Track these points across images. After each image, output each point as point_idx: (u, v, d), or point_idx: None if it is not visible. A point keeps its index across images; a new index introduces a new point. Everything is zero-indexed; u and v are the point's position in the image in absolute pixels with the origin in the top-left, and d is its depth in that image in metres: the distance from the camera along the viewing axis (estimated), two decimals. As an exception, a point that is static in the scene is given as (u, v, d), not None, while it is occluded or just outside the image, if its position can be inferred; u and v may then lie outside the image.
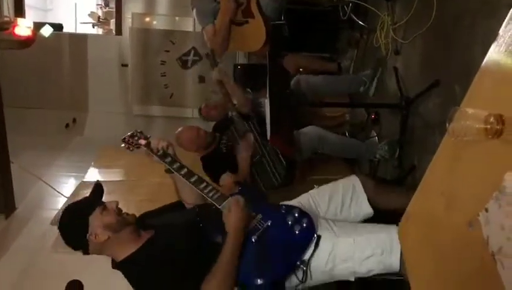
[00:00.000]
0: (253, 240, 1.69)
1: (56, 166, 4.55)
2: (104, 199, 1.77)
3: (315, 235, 1.66)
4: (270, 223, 1.74)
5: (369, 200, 1.91)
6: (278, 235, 1.71)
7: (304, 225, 1.69)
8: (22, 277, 2.99)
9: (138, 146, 1.91)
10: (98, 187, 1.76)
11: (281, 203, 1.95)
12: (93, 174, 4.01)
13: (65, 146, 4.99)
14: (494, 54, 0.82)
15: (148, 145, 1.90)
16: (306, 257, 1.63)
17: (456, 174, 0.88)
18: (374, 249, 1.62)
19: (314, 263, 1.64)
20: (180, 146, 2.89)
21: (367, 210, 1.91)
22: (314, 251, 1.64)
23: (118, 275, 1.71)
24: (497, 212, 0.76)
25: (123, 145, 1.94)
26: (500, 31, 0.79)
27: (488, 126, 0.75)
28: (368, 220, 1.91)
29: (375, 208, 1.91)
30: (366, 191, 1.92)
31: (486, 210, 0.78)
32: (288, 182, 2.74)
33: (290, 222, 1.72)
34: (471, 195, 0.84)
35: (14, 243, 3.35)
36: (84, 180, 3.88)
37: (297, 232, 1.68)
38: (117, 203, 1.69)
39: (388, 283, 1.78)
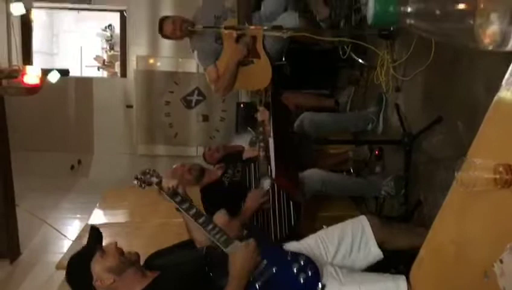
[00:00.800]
0: (257, 286, 1.67)
1: (61, 208, 4.54)
2: (108, 241, 1.79)
3: (319, 285, 1.64)
4: (275, 270, 1.72)
5: (378, 241, 1.90)
6: (283, 283, 1.69)
7: (309, 273, 1.67)
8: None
9: (150, 184, 1.95)
10: (94, 232, 1.78)
11: (287, 246, 1.93)
12: (98, 216, 3.99)
13: (70, 188, 5.00)
14: (500, 102, 0.83)
15: (159, 184, 1.94)
16: None
17: (466, 224, 0.87)
18: None
19: None
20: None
21: (376, 254, 1.88)
22: None
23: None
24: None
25: (135, 182, 1.98)
26: (504, 81, 0.81)
27: (497, 176, 0.75)
28: (377, 263, 1.89)
29: (384, 250, 1.89)
30: (374, 232, 1.90)
31: (501, 261, 0.77)
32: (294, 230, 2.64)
33: (295, 270, 1.70)
34: (483, 245, 0.84)
35: (19, 288, 3.31)
36: (89, 222, 3.86)
37: (302, 281, 1.66)
38: (115, 244, 1.70)
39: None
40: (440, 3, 0.60)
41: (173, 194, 1.89)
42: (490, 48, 0.61)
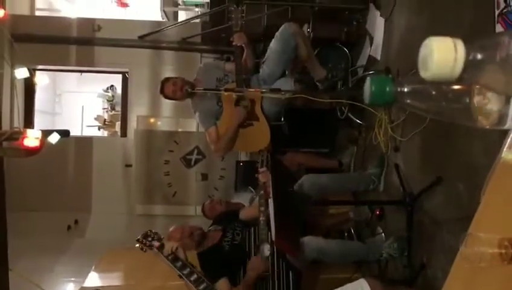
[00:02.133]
0: None
1: (55, 271, 4.43)
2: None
3: None
4: None
5: None
6: None
7: None
8: None
9: (151, 247, 1.94)
10: None
11: None
12: (93, 279, 3.87)
13: (66, 249, 4.89)
14: (500, 175, 0.83)
15: (160, 248, 1.92)
16: None
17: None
18: None
19: None
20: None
21: None
22: None
23: None
24: None
25: (137, 245, 1.96)
26: (503, 154, 0.81)
27: (503, 251, 0.73)
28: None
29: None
30: None
31: None
32: None
33: None
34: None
35: None
36: (84, 285, 3.75)
37: None
38: None
39: None
40: (436, 84, 0.61)
41: (174, 259, 1.87)
42: (487, 127, 0.62)
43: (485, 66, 0.58)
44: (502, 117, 0.60)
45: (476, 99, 0.60)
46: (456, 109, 0.62)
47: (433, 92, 0.62)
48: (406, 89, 0.65)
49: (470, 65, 0.57)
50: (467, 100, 0.60)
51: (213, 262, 2.59)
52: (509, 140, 0.77)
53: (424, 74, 0.58)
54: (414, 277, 2.57)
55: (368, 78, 0.74)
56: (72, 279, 4.23)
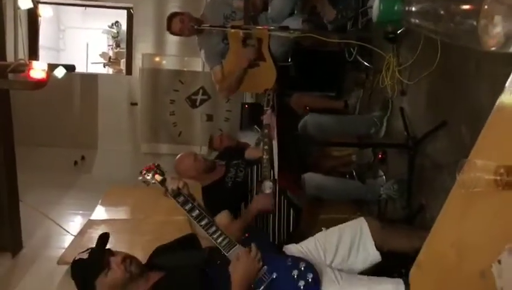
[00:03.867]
0: None
1: (63, 204, 4.56)
2: (111, 238, 1.80)
3: None
4: (275, 276, 1.71)
5: (377, 244, 1.89)
6: (283, 289, 1.68)
7: (309, 279, 1.66)
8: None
9: (154, 181, 1.96)
10: (103, 239, 1.79)
11: (287, 248, 1.93)
12: (100, 213, 4.00)
13: (73, 184, 5.01)
14: (503, 104, 0.84)
15: (163, 182, 1.94)
16: None
17: (466, 226, 0.88)
18: None
19: None
20: (181, 175, 2.73)
21: (374, 256, 1.88)
22: None
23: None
24: (510, 265, 0.76)
25: (140, 178, 1.98)
26: (507, 83, 0.81)
27: (498, 177, 0.75)
28: (376, 266, 1.89)
29: (383, 253, 1.89)
30: (373, 234, 1.90)
31: (499, 262, 0.77)
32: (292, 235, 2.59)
33: (295, 276, 1.69)
34: (482, 246, 0.84)
35: (21, 282, 3.32)
36: (91, 218, 3.88)
37: (302, 287, 1.65)
38: (122, 257, 1.69)
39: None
40: (445, 4, 0.60)
41: (177, 194, 1.89)
42: (493, 49, 0.62)
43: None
44: (508, 39, 0.59)
45: (483, 21, 0.59)
46: (463, 30, 0.61)
47: (442, 12, 0.61)
48: (414, 8, 0.64)
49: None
50: (474, 22, 0.59)
51: (215, 197, 2.65)
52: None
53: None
54: (412, 217, 2.63)
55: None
56: (80, 212, 4.37)
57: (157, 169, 2.00)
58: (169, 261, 1.82)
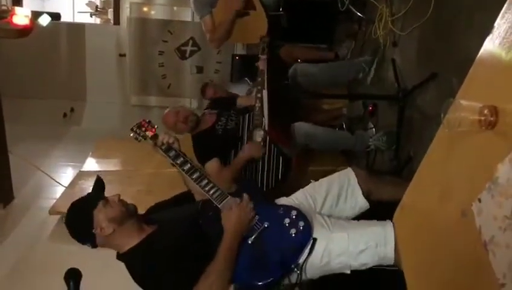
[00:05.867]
0: (249, 242, 1.69)
1: (54, 156, 4.54)
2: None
3: (311, 239, 1.67)
4: (267, 225, 1.74)
5: (364, 193, 1.93)
6: (275, 237, 1.71)
7: (301, 227, 1.69)
8: (20, 266, 3.00)
9: (145, 137, 1.95)
10: (98, 182, 1.80)
11: (277, 201, 1.96)
12: (91, 164, 4.02)
13: (63, 136, 4.98)
14: (489, 46, 0.83)
15: (154, 138, 1.93)
16: (301, 260, 1.64)
17: (450, 165, 0.89)
18: (367, 243, 1.64)
19: (309, 262, 1.65)
20: (169, 128, 2.79)
21: (362, 204, 1.92)
22: (309, 254, 1.65)
23: (117, 265, 1.74)
24: (489, 203, 0.78)
25: (131, 134, 1.98)
26: (496, 24, 0.80)
27: (482, 118, 0.76)
28: (364, 215, 1.93)
29: (371, 201, 1.93)
30: (360, 183, 1.93)
31: (480, 200, 0.79)
32: (281, 184, 2.63)
33: (287, 224, 1.72)
34: (464, 185, 0.85)
35: (13, 232, 3.36)
36: (82, 169, 3.89)
37: (293, 235, 1.68)
38: (119, 196, 1.72)
39: (382, 273, 1.79)
40: None
41: (167, 149, 1.89)
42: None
43: None
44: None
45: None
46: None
47: None
48: None
49: None
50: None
51: (205, 144, 2.66)
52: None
53: None
54: (400, 169, 2.67)
55: None
56: (71, 163, 4.37)
57: (149, 125, 1.99)
58: (165, 216, 1.85)
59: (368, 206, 1.92)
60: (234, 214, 1.70)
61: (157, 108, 5.24)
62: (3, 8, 2.92)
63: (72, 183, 3.66)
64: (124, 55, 5.26)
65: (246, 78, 3.66)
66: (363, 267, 1.67)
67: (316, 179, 2.06)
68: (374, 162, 2.99)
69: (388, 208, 1.73)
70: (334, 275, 1.75)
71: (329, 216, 1.83)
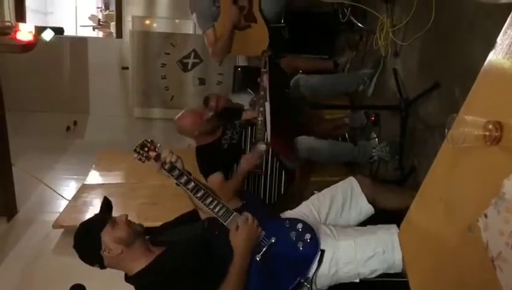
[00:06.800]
0: (257, 259, 1.69)
1: (57, 169, 4.55)
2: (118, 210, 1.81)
3: (319, 251, 1.66)
4: (274, 240, 1.74)
5: (369, 200, 1.92)
6: (282, 252, 1.71)
7: (308, 240, 1.69)
8: (24, 280, 2.99)
9: (149, 158, 1.94)
10: (106, 202, 1.80)
11: (282, 215, 1.95)
12: (94, 177, 4.03)
13: (66, 149, 4.99)
14: (493, 61, 0.83)
15: (157, 158, 1.92)
16: (310, 274, 1.63)
17: (455, 181, 0.89)
18: (375, 249, 1.63)
19: (318, 273, 1.65)
20: (181, 133, 2.79)
21: (367, 209, 1.92)
22: (318, 266, 1.64)
23: (121, 278, 1.74)
24: (496, 218, 0.77)
25: (135, 156, 1.97)
26: (498, 39, 0.80)
27: (487, 133, 0.76)
28: (370, 219, 1.92)
29: (376, 207, 1.92)
30: (364, 190, 1.93)
31: (486, 216, 0.79)
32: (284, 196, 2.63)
33: (293, 238, 1.71)
34: (470, 201, 0.85)
35: (16, 246, 3.36)
36: (85, 183, 3.90)
37: (301, 248, 1.68)
38: (126, 216, 1.72)
39: (392, 285, 1.78)
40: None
41: (171, 168, 1.88)
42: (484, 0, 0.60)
43: None
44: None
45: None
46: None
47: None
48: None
49: None
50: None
51: (210, 158, 2.66)
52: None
53: None
54: (404, 179, 2.66)
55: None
56: (74, 177, 4.37)
57: (151, 145, 1.98)
58: (172, 236, 1.85)
59: (373, 211, 1.92)
60: (242, 233, 1.71)
61: (160, 120, 5.25)
62: (7, 24, 2.95)
63: (76, 197, 3.66)
64: (127, 68, 5.28)
65: (249, 89, 3.66)
66: (373, 275, 1.67)
67: (320, 190, 2.07)
68: (377, 172, 2.99)
69: (393, 213, 1.72)
70: (343, 285, 1.75)
71: (334, 225, 1.83)
